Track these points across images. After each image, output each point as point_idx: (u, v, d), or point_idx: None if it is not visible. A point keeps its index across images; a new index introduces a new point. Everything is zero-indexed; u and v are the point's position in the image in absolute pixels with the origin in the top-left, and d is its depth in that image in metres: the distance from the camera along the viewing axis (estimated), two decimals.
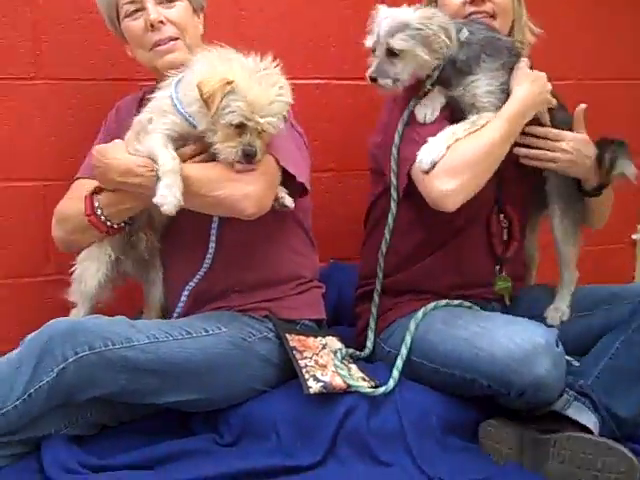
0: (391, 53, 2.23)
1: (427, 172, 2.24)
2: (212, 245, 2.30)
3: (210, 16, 2.72)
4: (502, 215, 2.52)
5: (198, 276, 2.32)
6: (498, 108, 2.30)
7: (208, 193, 2.15)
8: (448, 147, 2.25)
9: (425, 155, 2.25)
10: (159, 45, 2.33)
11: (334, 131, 3.16)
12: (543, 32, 2.55)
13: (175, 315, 2.34)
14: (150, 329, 2.16)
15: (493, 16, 2.42)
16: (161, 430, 2.30)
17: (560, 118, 2.44)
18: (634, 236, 3.75)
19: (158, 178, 2.09)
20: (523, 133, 2.36)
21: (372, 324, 2.51)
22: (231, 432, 2.26)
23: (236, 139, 2.11)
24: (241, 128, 2.09)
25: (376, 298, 2.51)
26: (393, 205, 2.42)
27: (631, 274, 3.77)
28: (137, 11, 2.33)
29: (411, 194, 2.38)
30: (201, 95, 2.07)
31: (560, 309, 2.54)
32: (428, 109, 2.33)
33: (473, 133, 2.27)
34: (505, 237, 2.54)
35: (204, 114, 2.11)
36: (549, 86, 2.39)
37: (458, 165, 2.24)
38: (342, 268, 3.06)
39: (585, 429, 2.20)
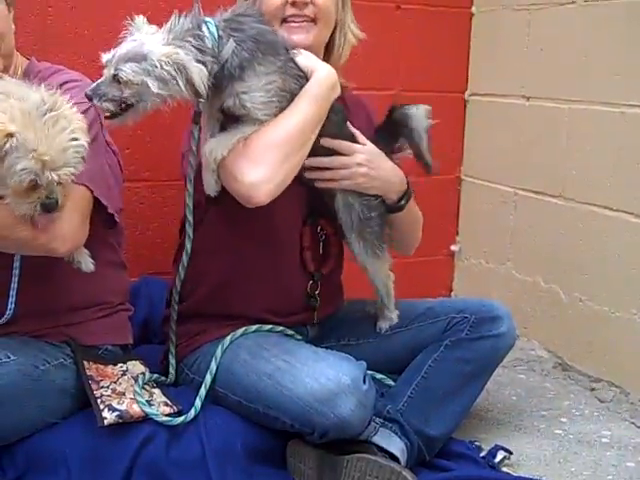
0: (116, 79, 2.00)
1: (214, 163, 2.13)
2: (13, 288, 2.11)
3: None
4: (319, 228, 2.45)
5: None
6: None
7: (11, 235, 1.97)
8: (238, 141, 2.12)
9: (208, 148, 2.14)
10: None
11: (148, 139, 3.04)
12: (365, 36, 2.47)
13: None
14: None
15: (314, 20, 2.28)
16: None
17: (347, 131, 2.35)
18: (452, 247, 3.82)
19: None
20: (312, 153, 2.22)
21: (172, 349, 2.40)
22: (16, 468, 2.11)
23: (31, 194, 1.89)
24: (35, 183, 1.88)
25: (173, 325, 2.39)
26: (189, 215, 2.27)
27: (449, 286, 3.85)
28: None
29: (215, 212, 2.31)
30: None
31: (389, 317, 2.52)
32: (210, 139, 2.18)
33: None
34: (321, 251, 2.47)
35: None
36: None
37: (261, 151, 2.10)
38: (153, 282, 2.96)
39: (392, 455, 2.22)
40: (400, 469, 2.12)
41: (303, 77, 2.18)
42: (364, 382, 2.13)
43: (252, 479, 2.18)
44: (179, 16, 2.07)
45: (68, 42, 2.90)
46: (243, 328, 2.34)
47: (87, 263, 2.16)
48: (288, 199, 2.18)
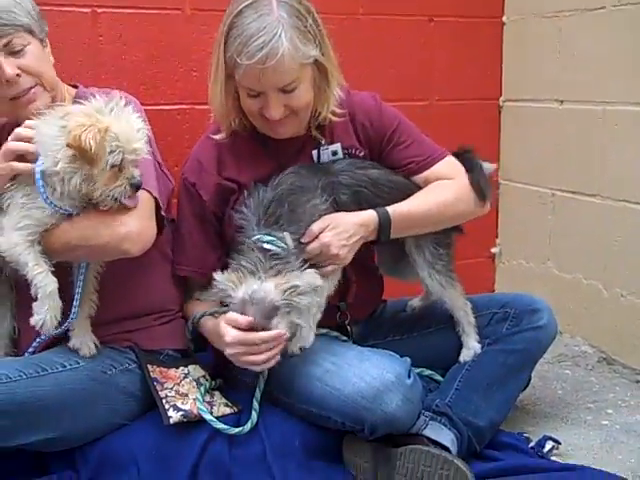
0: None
1: None
2: (77, 298, 2.22)
3: (66, 40, 2.70)
4: None
5: (61, 329, 2.20)
6: None
7: (86, 244, 2.12)
8: None
9: None
10: (19, 97, 2.23)
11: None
12: (346, 84, 2.44)
13: (30, 350, 2.26)
14: (1, 368, 2.10)
15: (295, 112, 2.31)
16: (14, 471, 2.23)
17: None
18: (493, 250, 3.89)
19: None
20: None
21: None
22: (88, 468, 2.23)
23: (119, 177, 2.09)
24: (119, 165, 2.08)
25: None
26: None
27: (491, 287, 3.92)
28: None
29: None
30: (85, 153, 2.00)
31: (473, 347, 2.54)
32: None
33: None
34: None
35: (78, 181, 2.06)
36: None
37: None
38: None
39: (443, 447, 2.27)
40: (452, 458, 2.19)
41: None
42: (408, 377, 2.22)
43: (311, 473, 2.26)
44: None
45: (117, 68, 3.05)
46: None
47: (91, 347, 2.28)
48: None
